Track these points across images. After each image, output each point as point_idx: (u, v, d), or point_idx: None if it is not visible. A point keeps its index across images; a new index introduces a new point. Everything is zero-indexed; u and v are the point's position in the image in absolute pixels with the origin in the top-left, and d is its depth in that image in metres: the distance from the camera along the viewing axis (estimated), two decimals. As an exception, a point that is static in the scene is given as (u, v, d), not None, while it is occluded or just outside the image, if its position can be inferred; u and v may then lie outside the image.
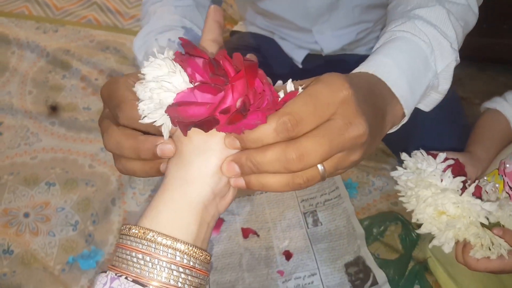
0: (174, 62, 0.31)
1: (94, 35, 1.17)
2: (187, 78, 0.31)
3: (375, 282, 0.71)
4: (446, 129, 0.82)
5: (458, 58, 0.48)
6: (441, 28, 0.47)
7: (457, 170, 0.49)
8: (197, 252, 0.31)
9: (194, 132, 0.32)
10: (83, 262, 0.75)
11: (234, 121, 0.30)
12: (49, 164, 0.90)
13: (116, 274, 0.30)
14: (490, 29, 1.51)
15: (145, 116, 0.32)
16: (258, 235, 0.80)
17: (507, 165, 0.54)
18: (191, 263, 0.31)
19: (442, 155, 0.48)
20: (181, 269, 0.30)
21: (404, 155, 0.49)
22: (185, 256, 0.31)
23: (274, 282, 0.74)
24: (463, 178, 0.46)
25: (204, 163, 0.33)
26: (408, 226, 0.78)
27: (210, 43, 0.37)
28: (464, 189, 0.46)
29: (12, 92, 1.04)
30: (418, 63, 0.44)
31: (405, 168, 0.49)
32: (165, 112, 0.31)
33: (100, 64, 1.09)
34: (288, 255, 0.77)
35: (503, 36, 1.56)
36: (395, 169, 0.49)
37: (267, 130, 0.31)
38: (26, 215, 0.81)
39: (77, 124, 0.98)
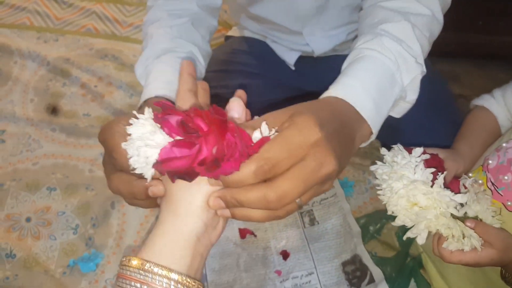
0: (154, 122, 0.36)
1: (93, 43, 1.19)
2: (166, 135, 0.36)
3: (372, 280, 0.71)
4: (438, 126, 0.83)
5: (424, 69, 0.51)
6: (407, 43, 0.50)
7: (435, 164, 0.50)
8: (190, 282, 0.34)
9: None
10: (84, 265, 0.76)
11: (211, 170, 0.34)
12: (50, 169, 0.92)
13: None
14: (486, 26, 1.51)
15: (135, 168, 0.37)
16: (255, 235, 0.80)
17: (490, 161, 0.54)
18: None
19: (418, 150, 0.49)
20: None
21: (383, 150, 0.51)
22: (179, 286, 0.33)
23: (272, 282, 0.74)
24: (433, 170, 0.47)
25: (192, 198, 0.36)
26: (404, 223, 0.78)
27: (187, 93, 0.42)
28: (435, 181, 0.47)
29: (15, 101, 1.06)
30: (384, 80, 0.47)
31: (384, 162, 0.50)
32: (153, 168, 0.35)
33: (99, 71, 1.11)
34: (285, 254, 0.77)
35: (500, 32, 1.56)
36: (375, 163, 0.50)
37: (247, 174, 0.34)
38: (28, 219, 0.83)
39: (77, 130, 0.99)
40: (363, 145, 0.46)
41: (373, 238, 0.78)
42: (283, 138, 0.35)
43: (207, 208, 0.36)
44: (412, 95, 0.52)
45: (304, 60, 0.91)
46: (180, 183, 0.36)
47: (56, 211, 0.84)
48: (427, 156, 0.48)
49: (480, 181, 0.53)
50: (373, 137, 0.47)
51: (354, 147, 0.43)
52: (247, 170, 0.34)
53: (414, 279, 0.72)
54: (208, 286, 0.75)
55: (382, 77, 0.47)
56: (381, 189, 0.49)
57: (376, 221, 0.79)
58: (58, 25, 1.25)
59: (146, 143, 0.35)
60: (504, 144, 0.55)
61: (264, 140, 0.35)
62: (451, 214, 0.46)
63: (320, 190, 0.37)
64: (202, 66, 0.67)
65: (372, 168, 0.51)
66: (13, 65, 1.14)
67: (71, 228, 0.82)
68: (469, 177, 0.53)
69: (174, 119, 0.36)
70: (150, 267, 0.33)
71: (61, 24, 1.25)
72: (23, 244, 0.79)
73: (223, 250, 0.79)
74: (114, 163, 0.41)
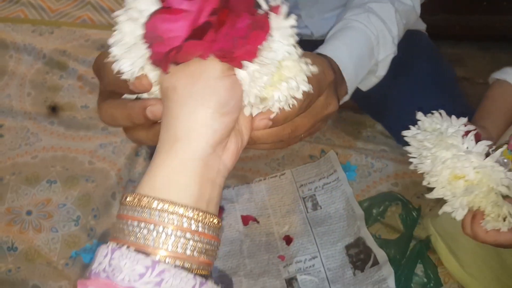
0: None
1: (89, 34, 1.18)
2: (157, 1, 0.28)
3: (376, 262, 0.71)
4: (441, 107, 0.82)
5: (396, 51, 0.58)
6: (388, 24, 0.57)
7: (476, 139, 0.46)
8: (200, 215, 0.29)
9: (178, 80, 0.30)
10: (86, 256, 0.76)
11: (223, 21, 0.28)
12: (49, 162, 0.91)
13: (116, 244, 0.28)
14: (490, 6, 1.49)
15: (120, 67, 0.30)
16: (258, 222, 0.80)
17: None
18: (193, 227, 0.28)
19: (463, 119, 0.46)
20: (179, 233, 0.28)
21: (420, 115, 0.47)
22: (185, 220, 0.28)
23: (276, 267, 0.74)
24: (489, 142, 0.43)
25: (191, 114, 0.30)
26: (408, 205, 0.77)
27: None
28: (487, 154, 0.43)
29: (12, 95, 1.06)
30: (364, 51, 0.53)
31: (418, 129, 0.46)
32: (143, 35, 0.28)
33: (96, 62, 1.10)
34: (288, 240, 0.77)
35: (504, 12, 1.53)
36: (408, 129, 0.47)
37: (293, 110, 0.34)
38: (29, 213, 0.83)
39: (75, 123, 0.99)
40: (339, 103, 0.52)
41: (376, 221, 0.78)
42: (317, 78, 0.36)
43: (211, 125, 0.30)
44: (381, 71, 0.58)
45: (304, 43, 0.90)
46: (177, 97, 0.30)
47: (57, 203, 0.84)
48: (472, 127, 0.45)
49: (506, 160, 0.51)
50: (347, 97, 0.52)
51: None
52: (296, 111, 0.35)
53: (421, 261, 0.71)
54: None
55: (363, 47, 0.53)
56: (415, 157, 0.46)
57: (379, 204, 0.78)
58: (53, 17, 1.23)
59: (129, 14, 0.28)
60: None
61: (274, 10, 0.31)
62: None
63: (319, 128, 0.41)
64: None
65: (407, 133, 0.47)
66: (9, 59, 1.13)
67: (72, 220, 0.82)
68: None
69: None
70: (148, 202, 0.28)
71: (56, 16, 1.23)
72: (24, 237, 0.79)
73: (226, 237, 0.78)
74: (106, 82, 0.35)
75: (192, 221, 0.28)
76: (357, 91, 0.98)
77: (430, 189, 0.47)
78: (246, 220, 0.80)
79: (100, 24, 1.22)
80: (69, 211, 0.83)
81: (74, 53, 1.12)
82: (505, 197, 0.45)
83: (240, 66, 0.30)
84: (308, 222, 0.79)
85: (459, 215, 0.45)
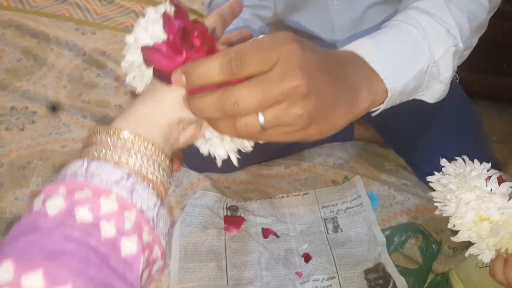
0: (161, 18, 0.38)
1: (130, 40, 1.22)
2: (164, 33, 0.37)
3: (395, 289, 0.71)
4: (465, 149, 0.84)
5: (461, 45, 0.47)
6: (438, 16, 0.47)
7: (499, 182, 0.46)
8: (162, 154, 0.34)
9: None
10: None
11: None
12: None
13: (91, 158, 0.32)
14: (510, 69, 1.54)
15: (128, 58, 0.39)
16: (278, 236, 0.80)
17: None
18: (158, 160, 0.34)
19: (486, 164, 0.46)
20: (151, 161, 0.33)
21: (444, 161, 0.48)
22: (153, 153, 0.33)
23: (292, 282, 0.74)
24: (511, 184, 0.44)
25: (174, 93, 0.36)
26: (429, 238, 0.78)
27: (216, 15, 0.43)
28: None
29: (48, 85, 1.09)
30: (405, 46, 0.45)
31: (444, 174, 0.47)
32: (141, 49, 0.36)
33: (133, 66, 1.14)
34: (307, 257, 0.77)
35: (523, 76, 1.57)
36: (432, 174, 0.47)
37: (213, 65, 0.32)
38: (53, 197, 0.83)
39: (108, 119, 1.01)
40: (377, 108, 0.43)
41: (396, 250, 0.78)
42: (256, 40, 0.33)
43: (183, 106, 0.36)
44: (446, 73, 0.47)
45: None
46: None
47: (82, 192, 0.84)
48: (495, 172, 0.45)
49: None
50: (392, 97, 0.43)
51: (358, 96, 0.39)
52: (214, 61, 0.32)
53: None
54: (228, 280, 0.74)
55: (403, 42, 0.45)
56: (440, 201, 0.46)
57: (401, 233, 0.79)
58: (96, 20, 1.28)
59: (146, 29, 0.37)
60: None
61: None
62: None
63: (289, 112, 0.33)
64: None
65: (431, 178, 0.48)
66: (50, 52, 1.17)
67: (95, 210, 0.82)
68: None
69: (178, 23, 0.36)
70: (128, 136, 0.32)
71: (100, 19, 1.29)
72: (46, 220, 0.79)
73: (245, 247, 0.78)
74: None
75: (158, 157, 0.34)
76: (383, 124, 0.96)
77: (455, 232, 0.46)
78: (266, 233, 0.81)
79: (141, 32, 1.26)
80: (93, 201, 0.83)
81: (114, 55, 1.15)
82: None
83: None
84: (328, 242, 0.79)
85: (486, 257, 0.44)
